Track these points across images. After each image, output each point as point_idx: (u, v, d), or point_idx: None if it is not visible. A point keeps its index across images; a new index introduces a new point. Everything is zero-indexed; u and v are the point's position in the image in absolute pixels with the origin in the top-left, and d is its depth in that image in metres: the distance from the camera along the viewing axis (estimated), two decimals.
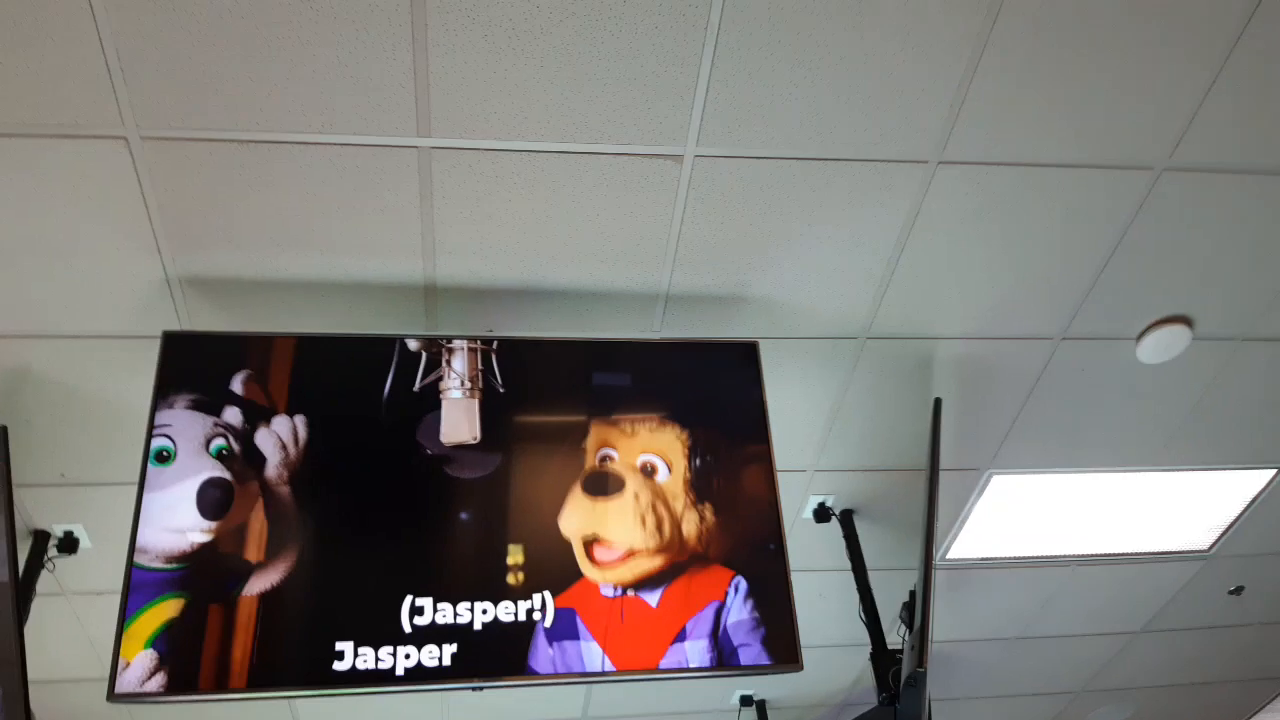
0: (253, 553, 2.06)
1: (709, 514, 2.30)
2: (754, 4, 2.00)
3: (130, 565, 1.99)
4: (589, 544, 2.22)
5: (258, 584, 2.03)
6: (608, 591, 2.16)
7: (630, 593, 2.17)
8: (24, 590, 2.68)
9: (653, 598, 2.18)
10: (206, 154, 2.12)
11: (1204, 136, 2.38)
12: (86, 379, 2.54)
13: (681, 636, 2.14)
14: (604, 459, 2.33)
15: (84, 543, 2.93)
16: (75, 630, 3.25)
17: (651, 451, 2.35)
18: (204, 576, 2.03)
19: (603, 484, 2.30)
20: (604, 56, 2.05)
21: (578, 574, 2.17)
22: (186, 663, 1.94)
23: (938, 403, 2.78)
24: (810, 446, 3.10)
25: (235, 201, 2.22)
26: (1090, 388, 3.04)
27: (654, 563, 2.22)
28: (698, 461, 2.36)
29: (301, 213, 2.26)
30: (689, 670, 2.11)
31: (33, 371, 2.50)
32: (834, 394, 2.94)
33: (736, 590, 2.21)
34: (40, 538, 2.88)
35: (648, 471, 2.33)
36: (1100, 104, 2.28)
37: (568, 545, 2.20)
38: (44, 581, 2.84)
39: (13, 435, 2.46)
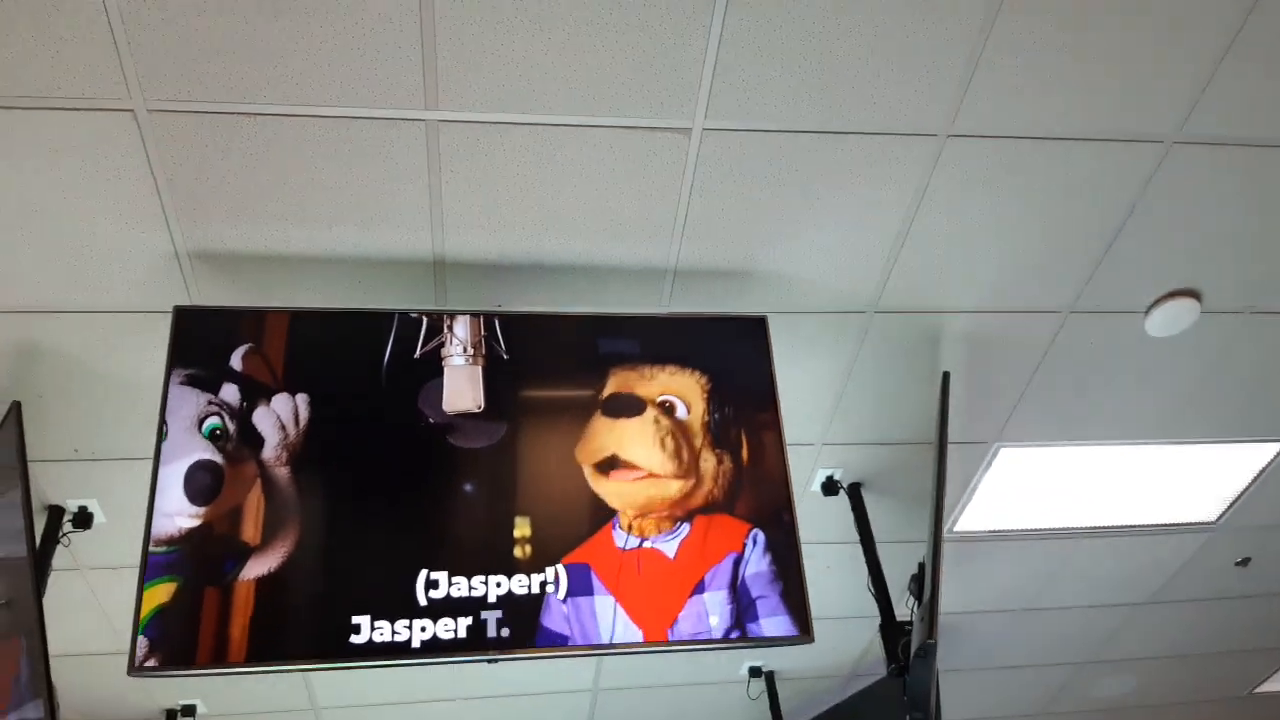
0: (250, 534, 2.05)
1: (727, 461, 2.31)
2: None
3: (147, 542, 2.00)
4: (605, 465, 2.23)
5: (260, 563, 2.03)
6: (623, 542, 2.17)
7: (646, 544, 2.18)
8: (40, 565, 2.70)
9: (669, 548, 2.18)
10: (214, 126, 2.12)
11: (1215, 109, 2.37)
12: (97, 354, 2.55)
13: (700, 588, 2.15)
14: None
15: (98, 517, 2.96)
16: (92, 605, 3.28)
17: (671, 392, 2.36)
18: (197, 559, 2.01)
19: (623, 405, 2.31)
20: (611, 29, 2.04)
21: (591, 523, 2.17)
22: (180, 647, 1.93)
23: (946, 376, 2.78)
24: (818, 420, 3.11)
25: (243, 175, 2.22)
26: (1098, 361, 3.04)
27: (670, 490, 2.23)
28: (715, 413, 2.36)
29: (309, 186, 2.26)
30: (703, 643, 2.12)
31: (43, 347, 2.51)
32: (842, 367, 2.95)
33: (755, 542, 2.22)
34: (55, 513, 2.90)
35: (667, 408, 2.33)
36: (1110, 77, 2.27)
37: (580, 477, 2.21)
38: (60, 556, 2.87)
39: (25, 411, 2.47)
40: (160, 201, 2.24)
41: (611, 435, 2.28)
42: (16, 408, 2.40)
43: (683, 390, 2.37)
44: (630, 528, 2.19)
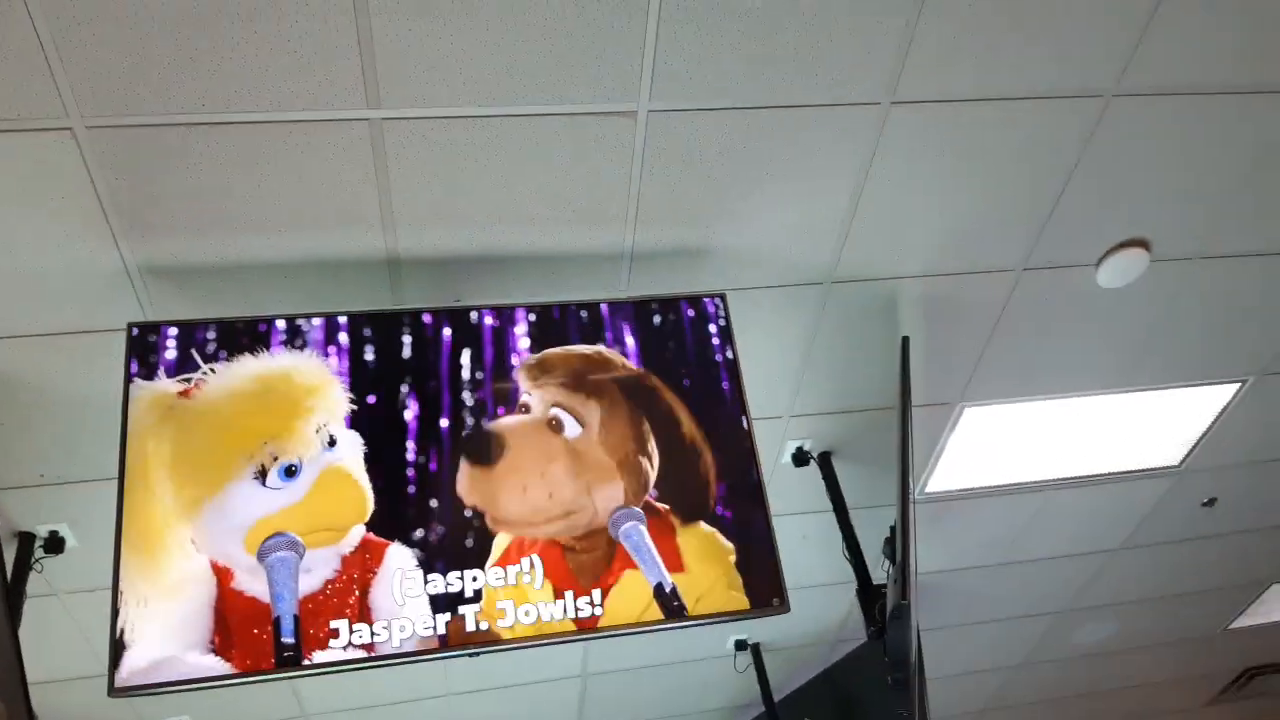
0: None
1: (656, 461, 2.27)
2: None
3: (118, 560, 1.99)
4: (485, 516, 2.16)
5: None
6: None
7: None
8: (14, 593, 2.68)
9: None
10: (154, 139, 2.10)
11: (1151, 61, 2.40)
12: (56, 377, 2.52)
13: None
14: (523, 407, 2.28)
15: (70, 541, 2.93)
16: (70, 629, 3.26)
17: (562, 406, 2.29)
18: None
19: (484, 449, 2.22)
20: (550, 16, 2.04)
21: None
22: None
23: (905, 341, 2.81)
24: (784, 392, 3.14)
25: (187, 186, 2.20)
26: (1054, 316, 3.09)
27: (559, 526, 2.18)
28: (646, 408, 2.32)
29: (255, 193, 2.25)
30: (678, 620, 2.14)
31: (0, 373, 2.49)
32: (804, 339, 2.97)
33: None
34: (25, 539, 2.87)
35: (555, 427, 2.27)
36: (1047, 34, 2.29)
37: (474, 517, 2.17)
38: (34, 583, 2.85)
39: None
40: (106, 218, 2.22)
41: (478, 486, 2.18)
42: None
43: (578, 403, 2.29)
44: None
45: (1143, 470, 3.88)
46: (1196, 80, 2.48)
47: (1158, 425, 3.69)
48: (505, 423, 2.26)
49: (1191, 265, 3.02)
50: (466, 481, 2.19)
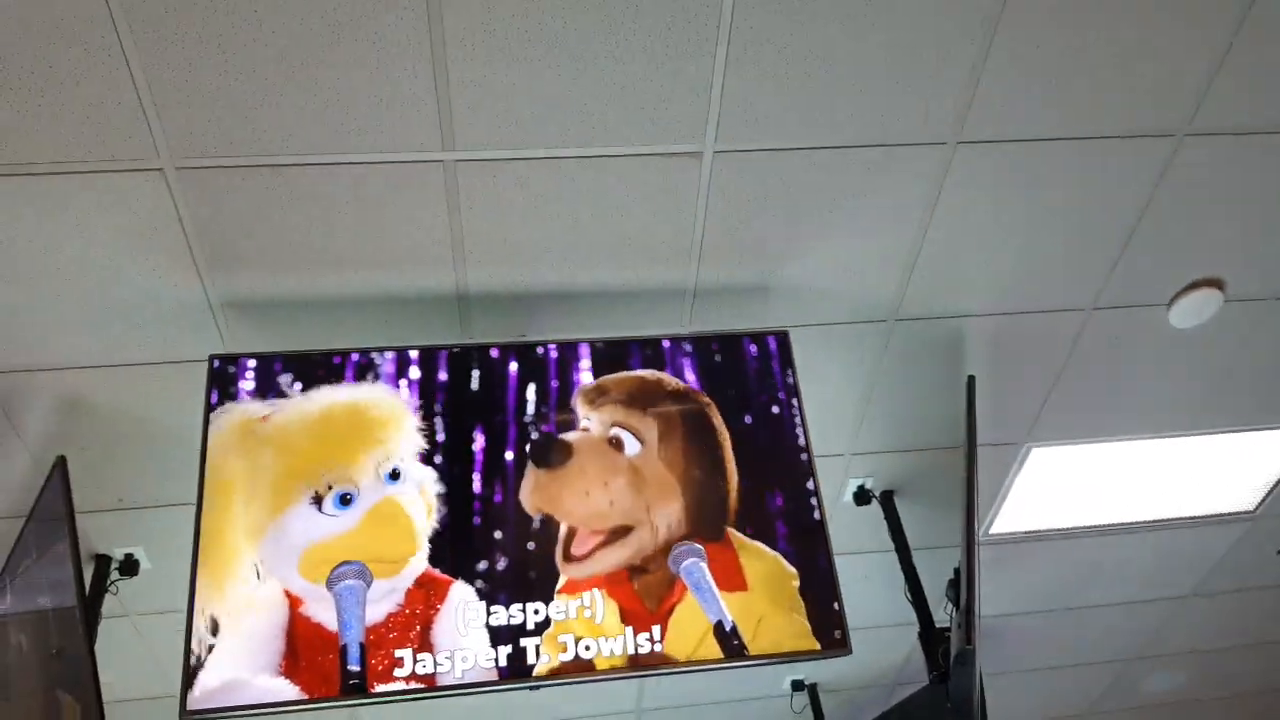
0: None
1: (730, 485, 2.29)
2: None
3: (193, 584, 2.05)
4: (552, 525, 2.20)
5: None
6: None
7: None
8: (90, 613, 2.76)
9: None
10: (240, 180, 2.19)
11: (1223, 100, 2.37)
12: (137, 405, 2.61)
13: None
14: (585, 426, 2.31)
15: (144, 564, 3.02)
16: (141, 651, 3.34)
17: (621, 424, 2.32)
18: None
19: (550, 453, 2.26)
20: (618, 61, 2.09)
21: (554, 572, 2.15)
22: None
23: (971, 380, 2.78)
24: (846, 430, 3.12)
25: (269, 224, 2.28)
26: (1124, 356, 3.03)
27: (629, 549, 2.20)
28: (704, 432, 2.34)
29: (334, 231, 2.32)
30: (737, 660, 2.13)
31: (85, 401, 2.58)
32: (866, 377, 2.96)
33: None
34: (102, 561, 2.96)
35: (615, 445, 2.29)
36: (1116, 74, 2.28)
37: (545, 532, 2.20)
38: (108, 604, 2.93)
39: (70, 463, 2.53)
40: (191, 255, 2.31)
41: (542, 490, 2.22)
42: (62, 462, 2.47)
43: (636, 423, 2.32)
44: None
45: (1215, 515, 3.77)
46: (1271, 119, 2.44)
47: (1231, 469, 3.58)
48: (571, 434, 2.30)
49: (1267, 306, 2.95)
50: (531, 486, 2.23)
